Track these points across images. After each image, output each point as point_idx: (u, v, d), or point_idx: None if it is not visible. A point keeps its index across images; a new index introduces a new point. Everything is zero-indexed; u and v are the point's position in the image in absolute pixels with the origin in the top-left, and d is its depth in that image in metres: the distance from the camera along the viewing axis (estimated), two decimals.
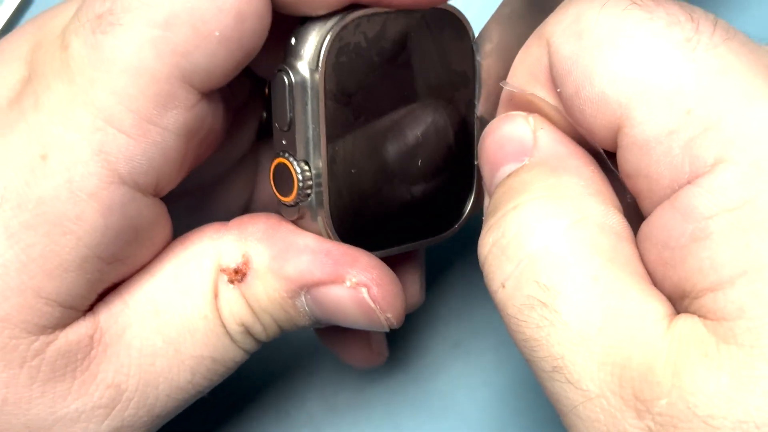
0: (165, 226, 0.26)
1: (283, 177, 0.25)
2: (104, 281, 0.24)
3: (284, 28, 0.25)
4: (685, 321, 0.20)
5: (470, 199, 0.29)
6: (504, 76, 0.27)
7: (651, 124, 0.21)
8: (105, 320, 0.25)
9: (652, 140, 0.21)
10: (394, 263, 0.29)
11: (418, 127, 0.27)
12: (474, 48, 0.27)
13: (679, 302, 0.21)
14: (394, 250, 0.28)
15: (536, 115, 0.24)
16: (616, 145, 0.22)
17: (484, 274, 0.23)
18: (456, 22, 0.27)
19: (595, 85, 0.22)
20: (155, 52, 0.22)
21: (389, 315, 0.26)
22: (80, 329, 0.24)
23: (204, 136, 0.25)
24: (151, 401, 0.25)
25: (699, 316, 0.20)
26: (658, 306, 0.21)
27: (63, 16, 0.24)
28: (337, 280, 0.25)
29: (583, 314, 0.21)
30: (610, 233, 0.22)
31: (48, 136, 0.23)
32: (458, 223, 0.29)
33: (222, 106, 0.26)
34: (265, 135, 0.31)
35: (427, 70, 0.26)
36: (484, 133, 0.26)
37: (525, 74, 0.24)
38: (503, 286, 0.23)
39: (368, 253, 0.26)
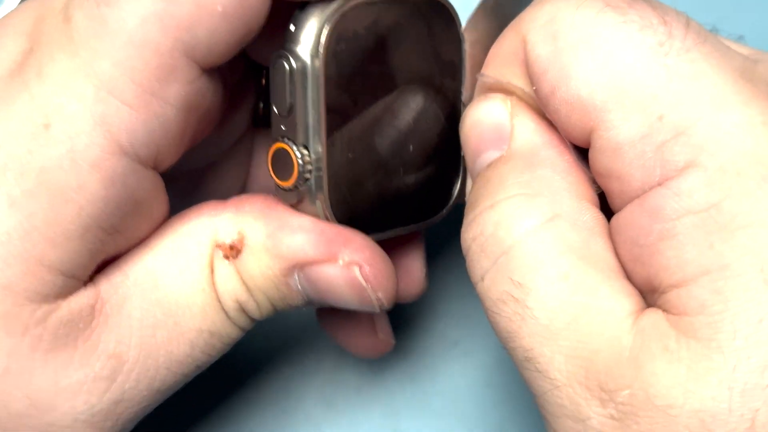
0: (163, 201, 0.26)
1: (283, 162, 0.26)
2: (104, 252, 0.25)
3: (279, 14, 0.25)
4: (650, 316, 0.21)
5: (457, 184, 0.30)
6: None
7: (624, 129, 0.21)
8: (106, 291, 0.25)
9: (625, 144, 0.21)
10: (395, 251, 0.30)
11: (410, 114, 0.28)
12: (462, 38, 0.28)
13: (649, 296, 0.22)
14: (387, 234, 0.28)
15: (514, 98, 0.25)
16: (589, 144, 0.23)
17: (467, 266, 0.24)
18: (445, 12, 0.28)
19: (571, 87, 0.22)
20: (159, 25, 0.23)
21: (380, 294, 0.26)
22: (82, 299, 0.25)
23: (203, 113, 0.26)
24: (152, 374, 0.26)
25: (664, 310, 0.21)
26: (626, 302, 0.22)
27: None
28: (330, 259, 0.26)
29: (552, 311, 0.22)
30: (582, 229, 0.23)
31: (51, 106, 0.23)
32: (446, 208, 0.30)
33: (220, 84, 0.26)
34: (258, 124, 0.32)
35: (419, 59, 0.27)
36: (464, 115, 0.26)
37: (500, 65, 0.25)
38: (482, 280, 0.24)
39: (362, 234, 0.27)
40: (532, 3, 0.24)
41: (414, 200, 0.29)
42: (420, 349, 0.37)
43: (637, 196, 0.21)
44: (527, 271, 0.22)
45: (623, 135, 0.21)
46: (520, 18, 0.24)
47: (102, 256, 0.25)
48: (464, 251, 0.25)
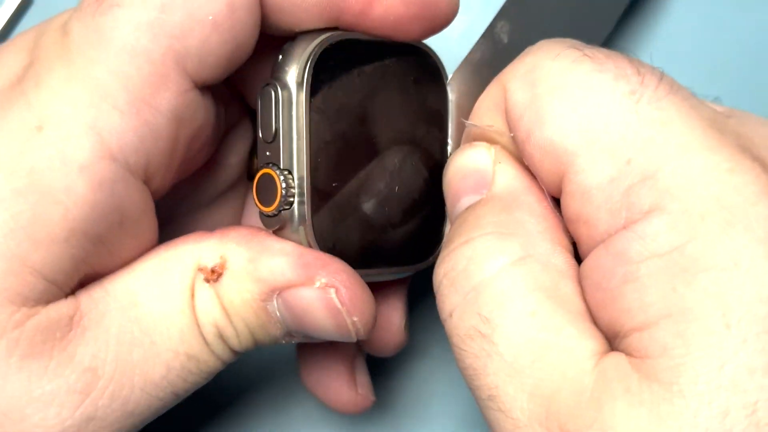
0: (150, 223, 0.26)
1: (267, 187, 0.26)
2: (87, 263, 0.25)
3: (271, 52, 0.27)
4: (613, 358, 0.21)
5: (445, 232, 0.30)
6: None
7: (593, 172, 0.22)
8: (85, 304, 0.25)
9: (593, 188, 0.22)
10: (376, 301, 0.29)
11: (395, 155, 0.28)
12: (447, 89, 0.30)
13: (612, 341, 0.22)
14: (372, 272, 0.28)
15: (498, 146, 0.26)
16: (560, 191, 0.23)
17: (437, 302, 0.25)
18: (432, 62, 0.29)
19: (544, 131, 0.23)
20: (151, 33, 0.24)
21: (356, 319, 0.26)
22: (61, 308, 0.24)
23: (194, 133, 0.26)
24: (126, 393, 0.25)
25: (626, 354, 0.21)
26: (591, 343, 0.22)
27: (66, 14, 0.26)
28: (307, 282, 0.26)
29: (518, 347, 0.22)
30: (553, 271, 0.23)
31: (45, 110, 0.23)
32: (432, 256, 0.30)
33: (214, 110, 0.27)
34: (252, 177, 0.32)
35: (405, 103, 0.29)
36: (448, 161, 0.27)
37: (484, 114, 0.26)
38: (450, 316, 0.24)
39: (340, 260, 0.27)
40: (516, 57, 0.26)
41: (400, 241, 0.29)
42: (419, 349, 0.37)
43: (603, 241, 0.22)
44: (495, 307, 0.23)
45: (592, 179, 0.22)
46: (505, 70, 0.25)
47: (85, 268, 0.25)
48: (435, 287, 0.25)
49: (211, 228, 0.31)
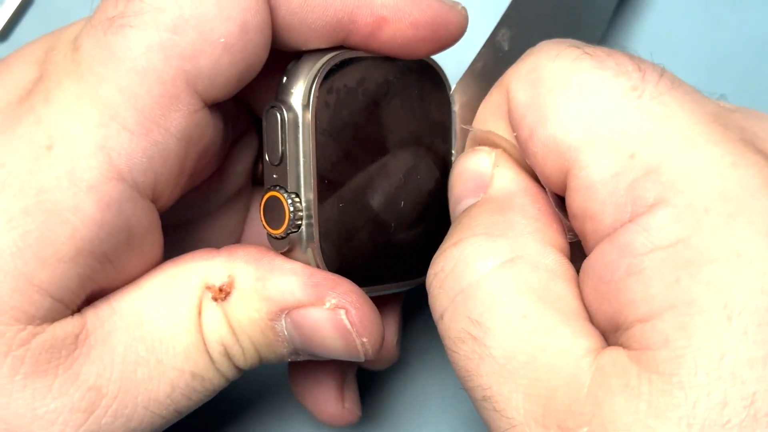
0: (157, 240, 0.26)
1: (274, 210, 0.26)
2: (94, 281, 0.25)
3: (280, 69, 0.27)
4: (610, 354, 0.21)
5: None
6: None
7: (597, 167, 0.22)
8: (92, 322, 0.25)
9: (598, 182, 0.22)
10: None
11: (401, 170, 0.28)
12: (451, 99, 0.30)
13: (611, 335, 0.22)
14: (378, 288, 0.28)
15: (499, 150, 0.26)
16: (565, 189, 0.23)
17: (429, 303, 0.25)
18: (435, 74, 0.29)
19: (547, 129, 0.23)
20: (163, 54, 0.24)
21: (365, 339, 0.26)
22: (67, 327, 0.24)
23: (203, 151, 0.26)
24: (129, 411, 0.25)
25: (625, 347, 0.21)
26: (586, 341, 0.22)
27: (77, 26, 0.26)
28: (317, 303, 0.26)
29: (510, 349, 0.22)
30: (543, 271, 0.23)
31: (55, 128, 0.23)
32: None
33: (222, 126, 0.27)
34: (258, 182, 0.33)
35: (410, 117, 0.28)
36: (453, 165, 0.27)
37: (487, 118, 0.26)
38: (441, 318, 0.24)
39: (349, 280, 0.27)
40: (519, 59, 0.26)
41: (407, 257, 0.29)
42: (419, 349, 0.37)
43: (608, 235, 0.22)
44: (485, 310, 0.23)
45: (596, 174, 0.22)
46: (507, 73, 0.25)
47: (91, 285, 0.25)
48: (427, 288, 0.25)
49: (216, 234, 0.32)
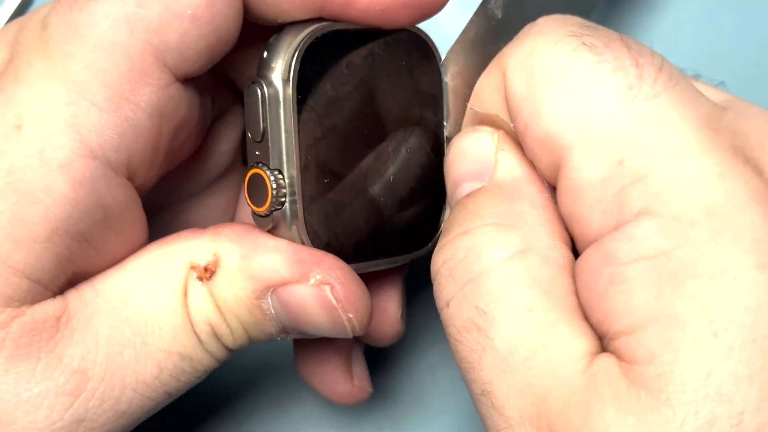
0: (137, 218, 0.26)
1: (257, 187, 0.26)
2: (73, 261, 0.24)
3: (262, 43, 0.26)
4: (603, 361, 0.21)
5: (443, 218, 0.29)
6: (470, 98, 0.28)
7: (587, 171, 0.22)
8: (74, 305, 0.25)
9: (586, 186, 0.22)
10: (372, 291, 0.29)
11: (389, 143, 0.28)
12: (441, 70, 0.29)
13: (601, 340, 0.22)
14: (369, 265, 0.28)
15: (502, 132, 0.25)
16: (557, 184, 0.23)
17: (434, 291, 0.24)
18: (423, 45, 0.28)
19: (541, 124, 0.23)
20: (129, 28, 0.23)
21: (351, 315, 0.26)
22: (47, 308, 0.24)
23: (178, 126, 0.26)
24: (117, 394, 0.25)
25: (616, 356, 0.21)
26: (583, 343, 0.22)
27: (48, 6, 0.25)
28: (302, 279, 0.26)
29: (513, 343, 0.22)
30: (552, 266, 0.23)
31: (23, 107, 0.23)
32: (432, 242, 0.29)
33: (198, 101, 0.27)
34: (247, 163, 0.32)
35: (397, 89, 0.28)
36: (450, 145, 0.27)
37: (487, 99, 0.25)
38: (447, 306, 0.24)
39: (335, 256, 0.26)
40: (516, 37, 0.25)
41: (397, 231, 0.28)
42: (420, 348, 0.37)
43: (595, 240, 0.22)
44: (492, 300, 0.22)
45: (585, 177, 0.22)
46: (504, 50, 0.25)
47: (71, 266, 0.25)
48: (432, 275, 0.24)
49: (205, 215, 0.31)
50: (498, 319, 0.22)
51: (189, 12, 0.24)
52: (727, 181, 0.20)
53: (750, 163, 0.21)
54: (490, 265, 0.23)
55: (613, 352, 0.21)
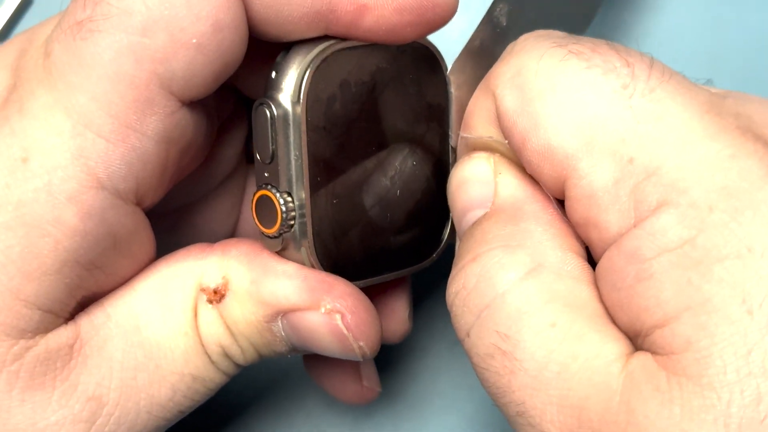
0: (146, 239, 0.26)
1: (266, 209, 0.26)
2: (83, 288, 0.24)
3: (268, 50, 0.26)
4: (638, 359, 0.21)
5: (447, 227, 0.29)
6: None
7: (597, 175, 0.21)
8: (86, 331, 0.25)
9: (599, 190, 0.21)
10: (381, 293, 0.29)
11: (396, 158, 0.28)
12: (447, 80, 0.28)
13: (634, 340, 0.22)
14: (376, 280, 0.28)
15: (497, 156, 0.25)
16: (563, 195, 0.23)
17: (452, 322, 0.24)
18: (430, 55, 0.28)
19: (540, 137, 0.22)
20: (134, 58, 0.23)
21: (362, 344, 0.26)
22: (60, 337, 0.24)
23: (186, 147, 0.26)
24: (132, 417, 0.25)
25: (651, 352, 0.21)
26: (615, 346, 0.21)
27: (49, 26, 0.25)
28: (312, 307, 0.26)
29: (541, 361, 0.22)
30: (567, 278, 0.23)
31: (30, 140, 0.23)
32: (436, 252, 0.29)
33: (205, 119, 0.26)
34: (252, 160, 0.32)
35: (404, 103, 0.27)
36: (450, 176, 0.26)
37: (478, 123, 0.25)
38: (468, 336, 0.23)
39: (345, 281, 0.26)
40: (500, 58, 0.25)
41: (403, 245, 0.28)
42: (420, 349, 0.37)
43: (615, 242, 0.21)
44: (513, 323, 0.22)
45: (597, 182, 0.21)
46: (490, 73, 0.24)
47: (81, 293, 0.25)
48: (448, 306, 0.24)
49: (211, 217, 0.31)
50: (522, 341, 0.22)
51: (194, 41, 0.23)
52: (740, 161, 0.20)
53: (760, 140, 0.21)
54: (504, 289, 0.23)
55: (647, 349, 0.21)
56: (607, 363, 0.21)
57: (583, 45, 0.22)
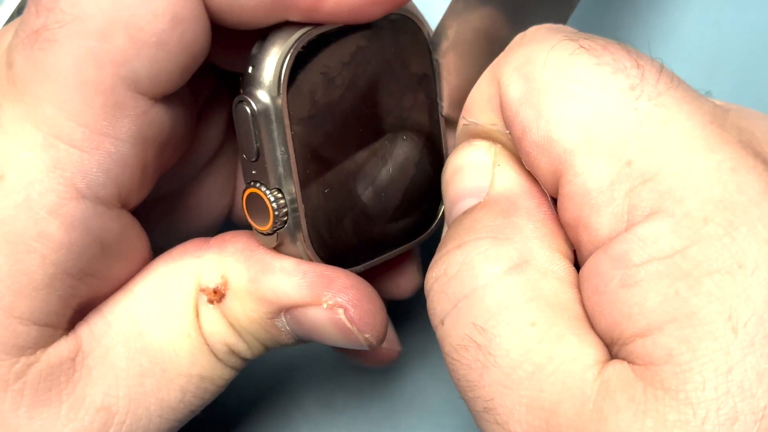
0: (137, 238, 0.26)
1: (257, 207, 0.25)
2: (78, 296, 0.24)
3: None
4: (615, 367, 0.20)
5: (442, 202, 0.28)
6: (464, 71, 0.27)
7: (593, 175, 0.21)
8: (87, 342, 0.25)
9: (593, 191, 0.21)
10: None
11: (386, 136, 0.27)
12: (431, 47, 0.27)
13: (610, 347, 0.21)
14: (376, 261, 0.28)
15: (499, 146, 0.24)
16: (557, 191, 0.22)
17: (427, 307, 0.24)
18: (411, 24, 0.27)
19: (541, 128, 0.22)
20: (95, 63, 0.22)
21: (367, 335, 0.26)
22: (62, 350, 0.24)
23: (165, 142, 0.25)
24: (144, 423, 0.25)
25: (628, 361, 0.20)
26: (592, 351, 0.21)
27: (9, 32, 0.24)
28: (314, 302, 0.25)
29: (516, 359, 0.21)
30: (552, 278, 0.22)
31: (2, 155, 0.23)
32: (431, 227, 0.29)
33: (182, 109, 0.26)
34: None
35: (389, 79, 0.27)
36: (447, 161, 0.26)
37: (479, 111, 0.24)
38: (442, 324, 0.23)
39: (346, 272, 0.26)
40: (507, 47, 0.24)
41: (399, 223, 0.28)
42: (419, 349, 0.37)
43: (604, 244, 0.21)
44: (491, 316, 0.22)
45: (592, 182, 0.21)
46: (496, 61, 0.24)
47: (77, 301, 0.24)
48: (426, 291, 0.24)
49: (204, 196, 0.31)
50: (499, 336, 0.21)
51: (154, 39, 0.23)
52: (739, 175, 0.20)
53: (759, 156, 0.20)
54: (486, 281, 0.22)
55: (625, 358, 0.20)
56: (583, 368, 0.20)
57: (595, 41, 0.22)
